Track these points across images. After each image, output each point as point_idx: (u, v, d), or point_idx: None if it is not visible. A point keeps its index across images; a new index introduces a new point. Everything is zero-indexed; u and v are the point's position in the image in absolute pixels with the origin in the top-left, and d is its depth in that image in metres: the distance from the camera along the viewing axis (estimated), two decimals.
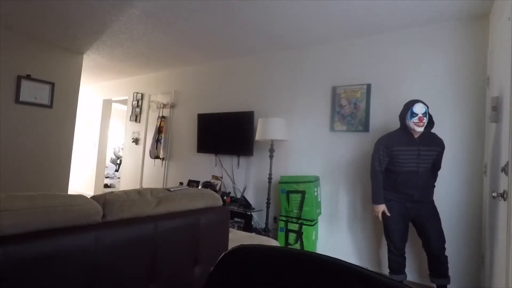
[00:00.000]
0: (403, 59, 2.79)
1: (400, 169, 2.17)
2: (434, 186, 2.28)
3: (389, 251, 2.29)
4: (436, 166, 2.26)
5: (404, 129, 2.18)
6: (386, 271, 2.71)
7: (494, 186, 1.89)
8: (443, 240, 2.16)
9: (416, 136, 2.14)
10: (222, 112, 3.95)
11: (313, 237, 2.88)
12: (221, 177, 3.93)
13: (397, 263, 2.27)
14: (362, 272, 0.41)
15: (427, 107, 2.10)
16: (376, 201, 2.25)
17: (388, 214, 2.22)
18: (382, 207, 2.22)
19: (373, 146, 2.84)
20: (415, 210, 2.19)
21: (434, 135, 2.21)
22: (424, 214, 2.18)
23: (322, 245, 3.08)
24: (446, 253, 2.18)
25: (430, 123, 2.17)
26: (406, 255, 2.30)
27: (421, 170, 2.15)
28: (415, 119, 2.07)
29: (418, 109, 2.06)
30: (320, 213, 3.07)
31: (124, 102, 6.12)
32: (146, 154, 4.96)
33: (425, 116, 2.07)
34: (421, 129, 2.07)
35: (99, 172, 5.90)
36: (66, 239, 0.86)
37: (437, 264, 2.18)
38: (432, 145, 2.14)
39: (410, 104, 2.12)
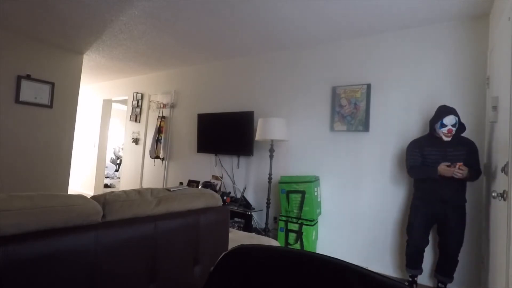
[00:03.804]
0: (403, 59, 2.79)
1: None
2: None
3: (407, 245, 2.41)
4: (473, 165, 2.20)
5: (433, 132, 2.32)
6: (385, 271, 2.71)
7: (494, 186, 1.89)
8: (460, 244, 2.21)
9: (443, 140, 2.25)
10: (222, 112, 3.95)
11: (313, 237, 2.88)
12: (221, 177, 3.93)
13: (412, 257, 2.38)
14: (362, 272, 0.41)
15: (458, 118, 2.20)
16: (433, 173, 2.17)
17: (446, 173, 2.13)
18: (442, 166, 2.13)
19: (373, 145, 2.88)
20: (442, 211, 2.22)
21: (463, 137, 2.27)
22: (449, 215, 2.20)
23: (322, 245, 3.08)
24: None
25: (461, 127, 2.26)
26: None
27: None
28: (444, 130, 2.20)
29: (448, 121, 2.18)
30: (320, 213, 3.07)
31: (124, 102, 6.12)
32: (146, 154, 4.96)
33: (454, 127, 2.19)
34: (448, 139, 2.21)
35: (99, 172, 5.90)
36: (66, 239, 0.86)
37: (447, 264, 2.26)
38: (458, 145, 2.21)
39: (442, 114, 2.21)
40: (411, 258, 2.39)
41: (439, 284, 2.31)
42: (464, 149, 2.20)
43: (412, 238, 2.37)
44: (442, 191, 2.20)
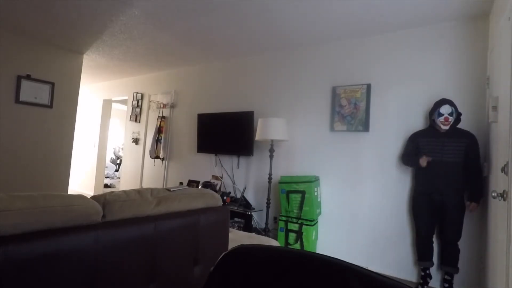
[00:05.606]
0: (403, 59, 2.79)
1: None
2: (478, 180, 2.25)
3: (416, 235, 2.49)
4: (472, 160, 2.24)
5: (432, 124, 2.41)
6: (385, 271, 2.71)
7: (494, 186, 1.89)
8: (459, 232, 2.27)
9: (442, 131, 2.33)
10: (222, 112, 3.95)
11: (313, 237, 2.88)
12: (221, 177, 3.93)
13: (421, 249, 2.43)
14: (361, 272, 0.41)
15: (455, 107, 2.28)
16: (415, 162, 2.40)
17: (423, 165, 2.35)
18: (421, 160, 2.35)
19: (373, 145, 2.89)
20: (440, 199, 2.31)
21: (462, 129, 2.33)
22: (447, 204, 2.28)
23: (322, 245, 3.08)
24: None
25: (457, 119, 2.33)
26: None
27: (446, 160, 2.28)
28: (441, 119, 2.29)
29: (444, 110, 2.29)
30: (320, 213, 3.07)
31: (124, 102, 6.12)
32: (146, 154, 4.95)
33: (451, 116, 2.27)
34: (446, 127, 2.29)
35: (99, 172, 5.90)
36: (66, 239, 0.86)
37: (447, 253, 2.32)
38: (458, 137, 2.28)
39: (438, 104, 2.33)
40: (420, 248, 2.45)
41: (446, 276, 2.34)
42: (465, 141, 2.26)
43: (418, 230, 2.45)
44: (438, 180, 2.30)
